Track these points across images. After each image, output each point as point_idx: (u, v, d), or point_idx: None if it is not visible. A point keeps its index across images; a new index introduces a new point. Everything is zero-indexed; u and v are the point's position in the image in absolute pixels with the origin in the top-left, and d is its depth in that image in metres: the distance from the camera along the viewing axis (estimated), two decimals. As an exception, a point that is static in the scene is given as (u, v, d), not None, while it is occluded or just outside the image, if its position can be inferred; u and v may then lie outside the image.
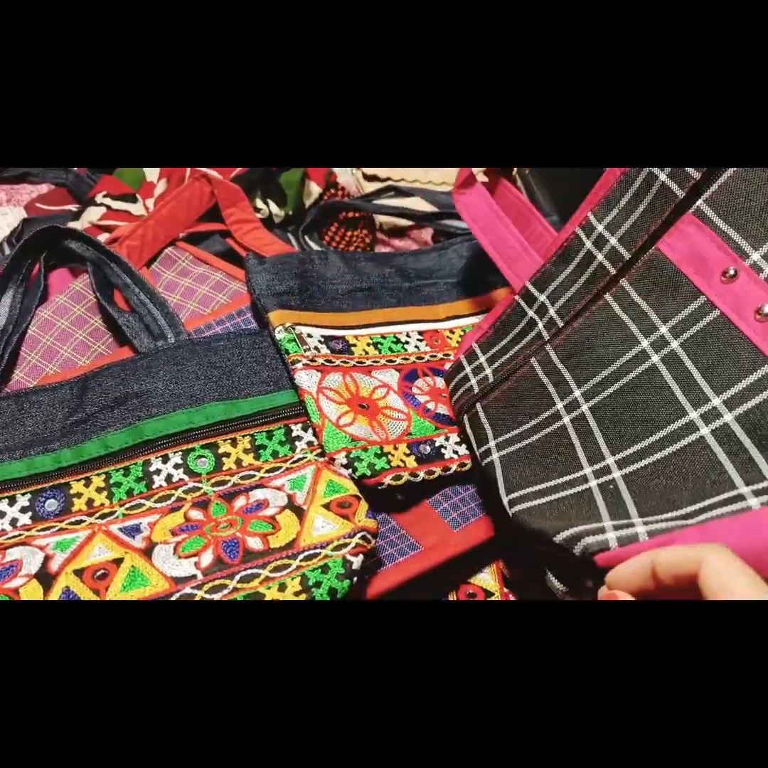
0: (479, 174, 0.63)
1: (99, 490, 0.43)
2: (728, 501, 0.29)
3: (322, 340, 0.51)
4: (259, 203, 0.68)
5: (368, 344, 0.53)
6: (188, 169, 0.66)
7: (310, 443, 0.47)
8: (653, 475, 0.32)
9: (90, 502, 0.43)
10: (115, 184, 0.68)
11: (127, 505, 0.43)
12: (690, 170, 0.34)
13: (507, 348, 0.44)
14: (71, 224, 0.64)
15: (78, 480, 0.43)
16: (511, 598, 0.47)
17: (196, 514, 0.42)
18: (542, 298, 0.42)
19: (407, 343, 0.54)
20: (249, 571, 0.38)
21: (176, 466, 0.44)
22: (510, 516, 0.38)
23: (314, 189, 0.73)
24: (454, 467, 0.46)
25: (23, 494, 0.42)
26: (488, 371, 0.45)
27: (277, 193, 0.69)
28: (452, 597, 0.47)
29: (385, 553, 0.43)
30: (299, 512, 0.42)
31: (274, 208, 0.69)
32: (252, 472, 0.45)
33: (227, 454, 0.45)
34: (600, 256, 0.38)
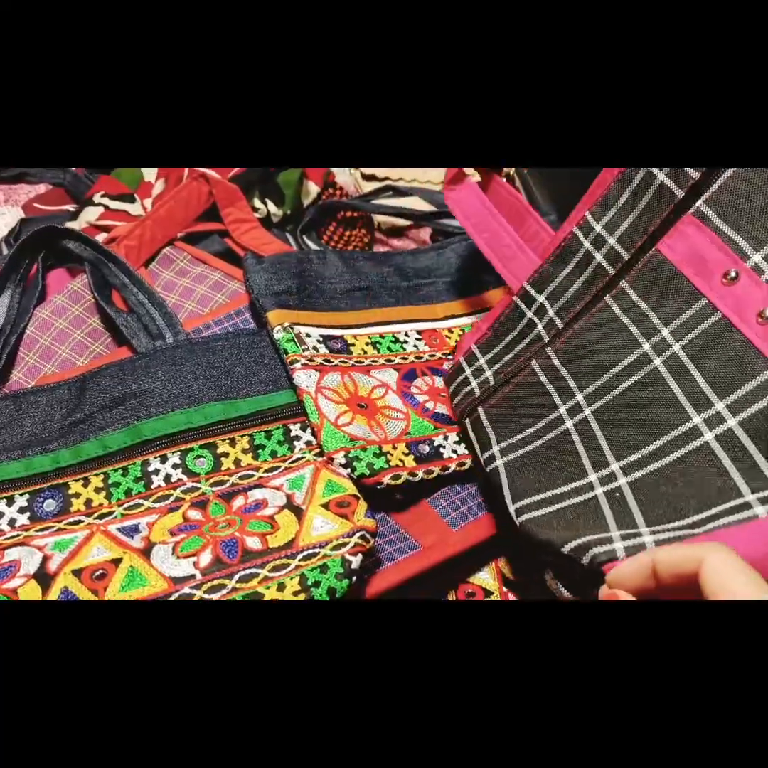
0: (471, 172, 0.62)
1: (97, 490, 0.43)
2: (735, 509, 0.28)
3: (321, 339, 0.51)
4: (257, 203, 0.68)
5: (367, 344, 0.53)
6: (186, 169, 0.66)
7: (308, 443, 0.47)
8: (659, 481, 0.32)
9: (88, 502, 0.43)
10: (112, 184, 0.68)
11: (125, 505, 0.42)
12: (689, 170, 0.34)
13: (507, 350, 0.44)
14: (69, 224, 0.64)
15: (76, 480, 0.43)
16: (511, 597, 0.47)
17: (194, 514, 0.42)
18: (541, 299, 0.42)
19: (406, 342, 0.54)
20: (248, 571, 0.38)
21: (175, 466, 0.44)
22: (517, 525, 0.38)
23: (312, 188, 0.73)
24: (452, 466, 0.46)
25: (21, 494, 0.42)
26: (489, 374, 0.44)
27: (275, 192, 0.69)
28: (451, 596, 0.47)
29: (384, 553, 0.43)
30: (298, 512, 0.42)
31: (272, 207, 0.68)
32: (250, 472, 0.45)
33: (226, 454, 0.45)
34: (599, 257, 0.38)
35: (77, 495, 0.43)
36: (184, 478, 0.44)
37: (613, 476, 0.34)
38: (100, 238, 0.61)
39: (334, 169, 0.79)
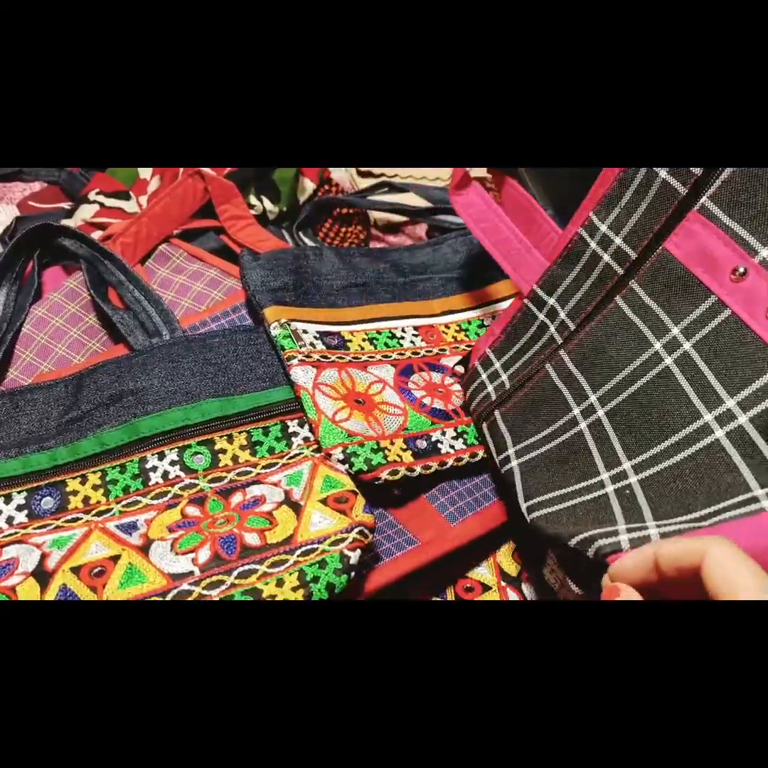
0: (481, 171, 0.62)
1: (95, 487, 0.43)
2: (742, 503, 0.28)
3: (318, 335, 0.51)
4: (253, 200, 0.68)
5: (364, 340, 0.53)
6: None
7: (306, 439, 0.47)
8: (669, 479, 0.32)
9: (86, 499, 0.43)
10: (108, 181, 0.67)
11: (123, 503, 0.42)
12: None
13: (521, 353, 0.44)
14: (64, 222, 0.63)
15: (74, 478, 0.43)
16: (509, 591, 0.47)
17: (192, 511, 0.42)
18: (551, 301, 0.42)
19: (402, 338, 0.54)
20: (246, 567, 0.38)
21: (172, 463, 0.44)
22: (527, 521, 0.38)
23: (308, 185, 0.73)
24: (450, 462, 0.46)
25: (19, 492, 0.42)
26: (504, 377, 0.45)
27: (270, 189, 0.69)
28: (449, 591, 0.47)
29: (382, 548, 0.43)
30: (296, 508, 0.42)
31: (268, 204, 0.68)
32: (248, 469, 0.45)
33: (223, 451, 0.45)
34: (606, 257, 0.38)
35: (75, 492, 0.43)
36: (182, 474, 0.44)
37: (624, 474, 0.34)
38: (96, 235, 0.61)
39: (330, 166, 0.78)
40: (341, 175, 0.80)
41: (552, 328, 0.41)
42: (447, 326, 0.57)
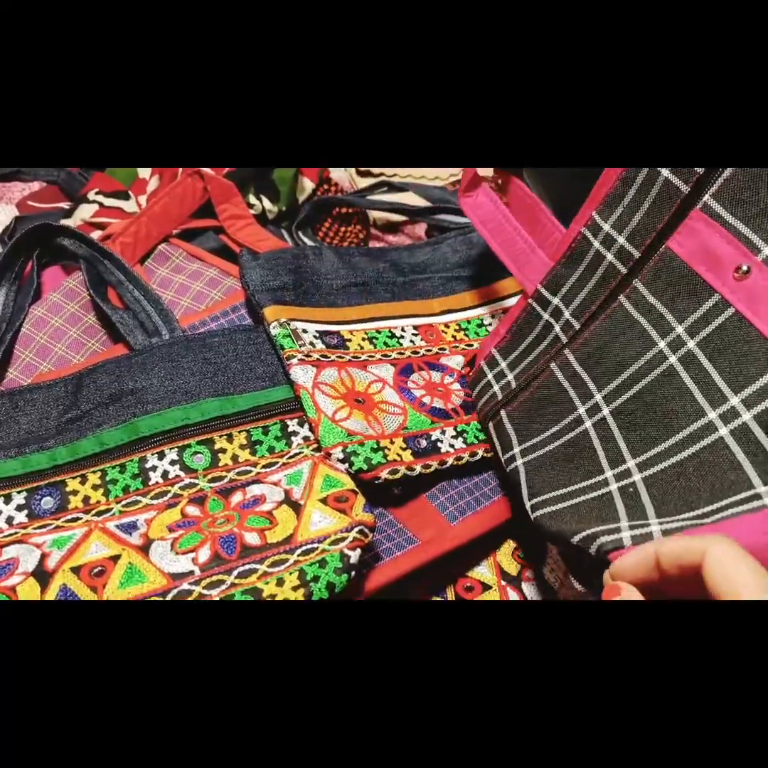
0: (486, 170, 0.62)
1: (95, 487, 0.43)
2: (745, 500, 0.28)
3: (317, 335, 0.51)
4: (253, 199, 0.68)
5: (363, 339, 0.53)
6: (181, 166, 0.66)
7: (306, 438, 0.47)
8: (673, 477, 0.32)
9: (86, 499, 0.42)
10: (107, 181, 0.67)
11: (123, 502, 0.42)
12: None
13: (526, 352, 0.44)
14: (64, 222, 0.63)
15: (74, 477, 0.43)
16: (509, 591, 0.47)
17: (192, 511, 0.42)
18: (556, 301, 0.42)
19: (402, 337, 0.54)
20: (247, 567, 0.38)
21: (172, 463, 0.44)
22: (531, 519, 0.38)
23: (307, 185, 0.73)
24: (450, 461, 0.46)
25: (19, 492, 0.42)
26: (510, 377, 0.45)
27: (270, 189, 0.69)
28: (450, 590, 0.47)
29: (382, 548, 0.43)
30: (296, 507, 0.42)
31: (267, 204, 0.68)
32: (248, 468, 0.45)
33: (223, 450, 0.45)
34: (609, 256, 0.38)
35: (75, 492, 0.43)
36: (182, 474, 0.44)
37: (628, 472, 0.35)
38: (95, 235, 0.61)
39: (329, 166, 0.79)
40: (340, 175, 0.80)
41: (557, 328, 0.42)
42: (446, 325, 0.57)
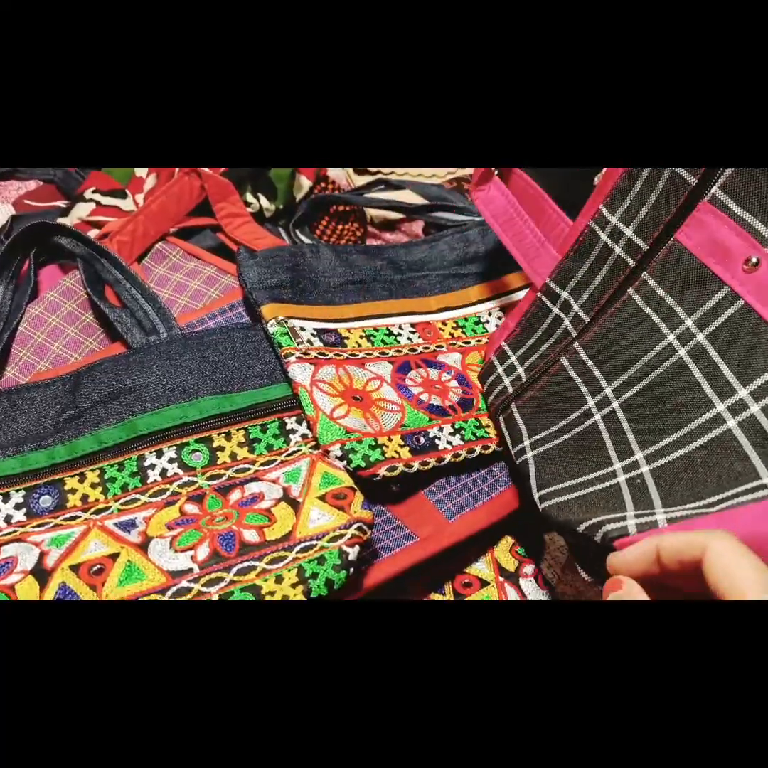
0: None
1: (93, 485, 0.43)
2: (751, 490, 0.29)
3: (315, 333, 0.51)
4: (250, 197, 0.68)
5: (361, 337, 0.53)
6: (177, 165, 0.66)
7: (304, 436, 0.47)
8: (680, 468, 0.32)
9: (84, 497, 0.43)
10: (103, 179, 0.67)
11: (121, 501, 0.43)
12: None
13: (536, 346, 0.45)
14: (60, 220, 0.63)
15: (72, 476, 0.43)
16: (507, 587, 0.47)
17: (191, 508, 0.42)
18: (565, 294, 0.42)
19: (400, 335, 0.55)
20: (246, 564, 0.38)
21: (171, 461, 0.44)
22: (539, 510, 0.39)
23: (304, 183, 0.73)
24: (448, 458, 0.47)
25: (17, 491, 0.42)
26: (521, 371, 0.45)
27: (267, 187, 0.69)
28: (447, 586, 0.47)
29: (380, 544, 0.44)
30: (295, 504, 0.42)
31: (264, 202, 0.68)
32: (247, 466, 0.45)
33: (222, 448, 0.45)
34: (617, 249, 0.38)
35: (73, 491, 0.43)
36: (180, 472, 0.44)
37: (636, 464, 0.35)
38: (92, 233, 0.61)
39: (326, 163, 0.78)
40: (337, 173, 0.80)
41: (566, 321, 0.42)
42: (444, 323, 0.57)
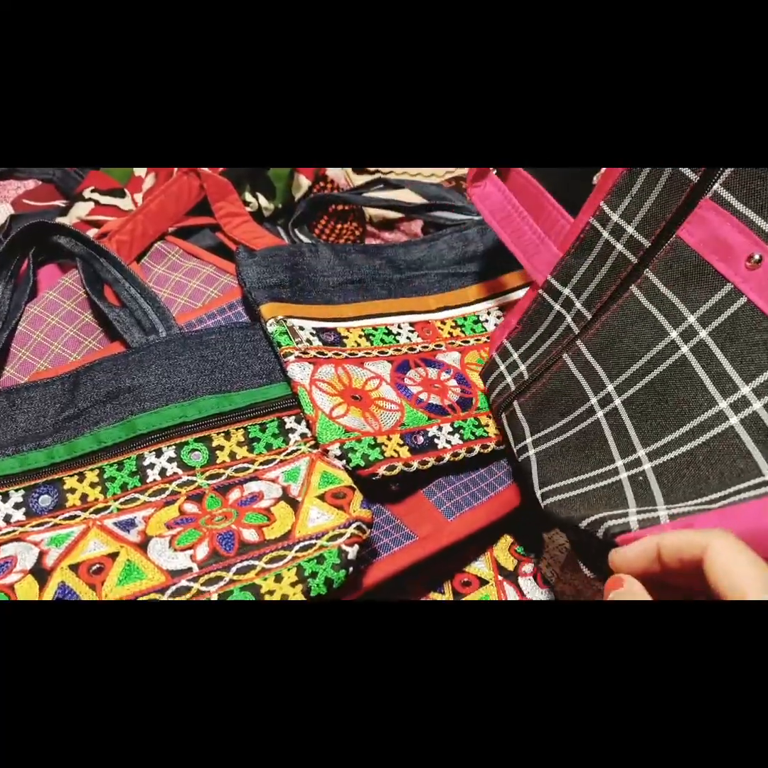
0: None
1: (93, 485, 0.43)
2: (753, 487, 0.29)
3: (314, 332, 0.51)
4: (248, 197, 0.68)
5: (360, 336, 0.53)
6: (176, 164, 0.66)
7: (303, 435, 0.47)
8: (683, 465, 0.32)
9: (84, 497, 0.43)
10: (102, 179, 0.67)
11: (121, 500, 0.43)
12: None
13: (538, 343, 0.45)
14: (59, 220, 0.63)
15: (71, 475, 0.43)
16: (506, 585, 0.47)
17: (190, 508, 0.42)
18: (566, 291, 0.42)
19: (399, 334, 0.55)
20: (245, 563, 0.38)
21: (170, 460, 0.44)
22: (541, 507, 0.39)
23: (303, 182, 0.73)
24: (447, 457, 0.47)
25: (16, 490, 0.42)
26: (523, 368, 0.45)
27: (265, 186, 0.69)
28: (447, 585, 0.47)
29: (380, 543, 0.44)
30: (294, 504, 0.42)
31: (263, 201, 0.68)
32: (246, 465, 0.45)
33: (221, 447, 0.45)
34: (619, 246, 0.38)
35: (72, 490, 0.43)
36: (180, 471, 0.44)
37: (638, 462, 0.35)
38: (91, 233, 0.61)
39: (325, 163, 0.78)
40: (336, 172, 0.80)
41: (568, 318, 0.42)
42: (443, 322, 0.57)
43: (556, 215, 0.47)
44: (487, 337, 0.57)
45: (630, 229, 0.37)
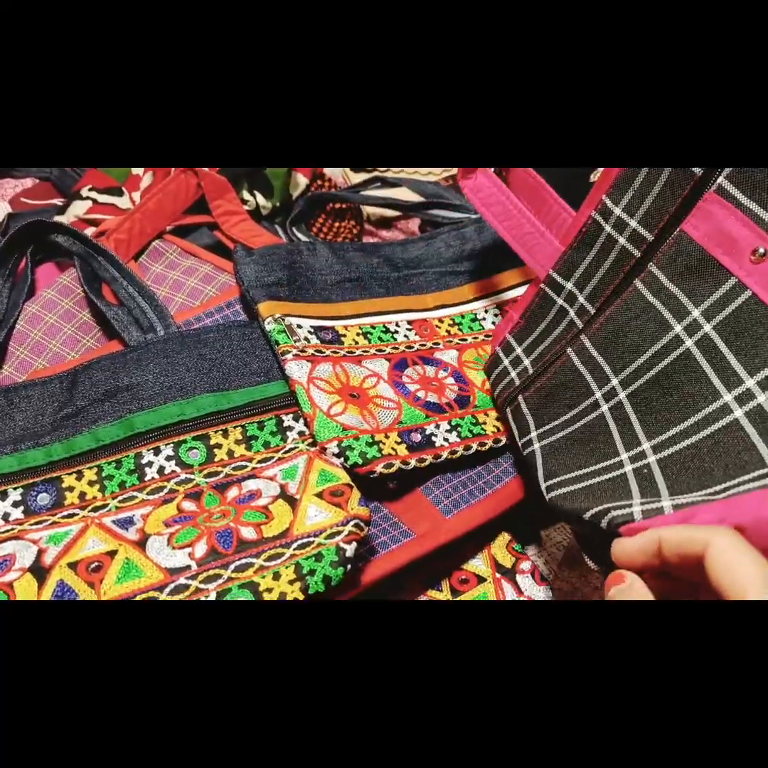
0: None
1: (91, 483, 0.43)
2: (757, 478, 0.29)
3: (312, 330, 0.51)
4: (246, 195, 0.68)
5: (358, 334, 0.53)
6: (174, 162, 0.66)
7: (301, 433, 0.47)
8: (687, 458, 0.32)
9: (82, 495, 0.43)
10: (100, 177, 0.67)
11: (119, 498, 0.43)
12: None
13: (542, 338, 0.45)
14: (57, 218, 0.63)
15: (70, 474, 0.43)
16: (504, 583, 0.47)
17: (189, 506, 0.42)
18: (569, 286, 0.42)
19: (396, 332, 0.55)
20: (243, 561, 0.38)
21: (168, 458, 0.44)
22: (546, 500, 0.39)
23: (301, 180, 0.73)
24: (445, 455, 0.47)
25: (15, 489, 0.42)
26: (527, 363, 0.45)
27: (263, 184, 0.69)
28: (445, 583, 0.47)
29: (377, 541, 0.44)
30: (292, 501, 0.42)
31: (261, 199, 0.68)
32: (244, 463, 0.45)
33: (219, 445, 0.45)
34: (622, 240, 0.38)
35: (71, 488, 0.43)
36: (178, 469, 0.44)
37: (643, 455, 0.35)
38: (89, 231, 0.61)
39: (323, 161, 0.78)
40: (334, 171, 0.80)
41: (572, 313, 0.42)
42: (440, 320, 0.57)
43: (557, 208, 0.46)
44: (485, 335, 0.57)
45: (633, 223, 0.37)
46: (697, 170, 0.34)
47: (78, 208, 0.64)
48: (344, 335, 0.52)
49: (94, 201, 0.65)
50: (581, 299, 0.41)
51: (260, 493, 0.43)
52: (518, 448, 0.45)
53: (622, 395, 0.37)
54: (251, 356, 0.50)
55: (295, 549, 0.39)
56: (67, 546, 0.39)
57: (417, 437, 0.47)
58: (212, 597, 0.36)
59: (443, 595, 0.47)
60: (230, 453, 0.45)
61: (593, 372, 0.40)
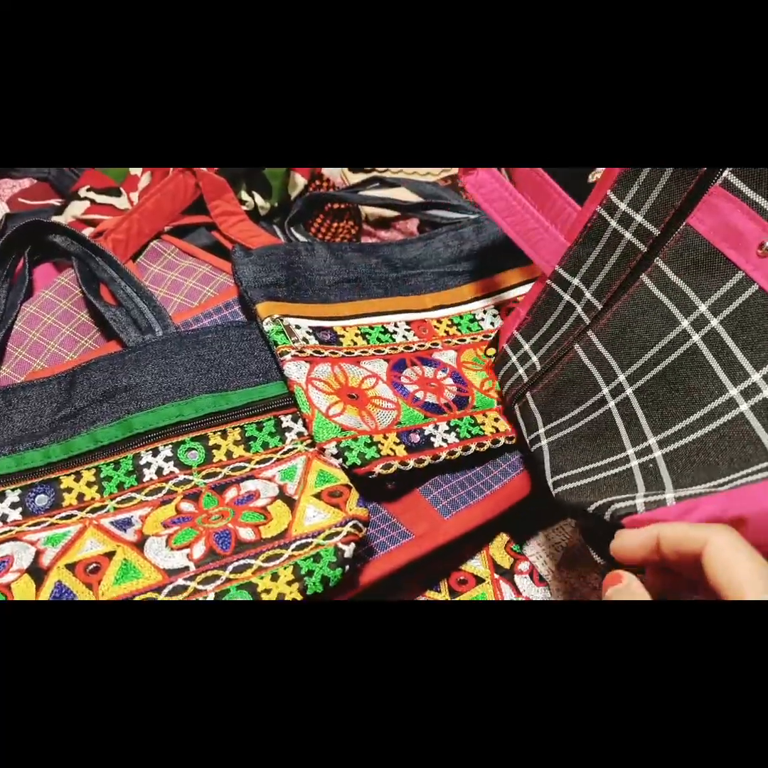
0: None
1: (89, 484, 0.43)
2: (761, 470, 0.29)
3: (311, 331, 0.51)
4: (244, 195, 0.68)
5: (356, 335, 0.53)
6: (172, 162, 0.66)
7: (300, 434, 0.47)
8: (693, 452, 0.33)
9: (80, 496, 0.43)
10: (98, 177, 0.67)
11: (117, 499, 0.43)
12: None
13: (549, 334, 0.45)
14: (55, 218, 0.63)
15: (68, 475, 0.43)
16: (502, 584, 0.47)
17: (187, 507, 0.42)
18: (576, 281, 0.42)
19: (395, 333, 0.55)
20: (241, 562, 0.38)
21: (166, 459, 0.44)
22: (552, 495, 0.39)
23: (299, 180, 0.73)
24: (443, 455, 0.47)
25: (13, 490, 0.42)
26: (535, 359, 0.45)
27: (261, 184, 0.69)
28: (443, 584, 0.47)
29: (376, 542, 0.44)
30: (290, 502, 0.42)
31: (259, 200, 0.68)
32: (243, 464, 0.45)
33: (217, 446, 0.45)
34: (628, 235, 0.38)
35: (69, 489, 0.43)
36: (176, 470, 0.44)
37: (649, 449, 0.35)
38: (87, 232, 0.61)
39: (321, 161, 0.78)
40: (332, 171, 0.80)
41: (579, 309, 0.42)
42: (439, 321, 0.57)
43: (562, 203, 0.46)
44: (484, 336, 0.57)
45: (638, 218, 0.37)
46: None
47: (76, 209, 0.64)
48: (343, 336, 0.52)
49: (92, 201, 0.65)
50: (588, 295, 0.41)
51: (259, 494, 0.43)
52: (526, 445, 0.45)
53: (628, 391, 0.37)
54: (250, 357, 0.50)
55: (293, 550, 0.39)
56: (65, 547, 0.39)
57: (415, 438, 0.47)
58: (211, 598, 0.36)
59: (442, 595, 0.47)
60: (229, 454, 0.45)
61: (600, 368, 0.40)
